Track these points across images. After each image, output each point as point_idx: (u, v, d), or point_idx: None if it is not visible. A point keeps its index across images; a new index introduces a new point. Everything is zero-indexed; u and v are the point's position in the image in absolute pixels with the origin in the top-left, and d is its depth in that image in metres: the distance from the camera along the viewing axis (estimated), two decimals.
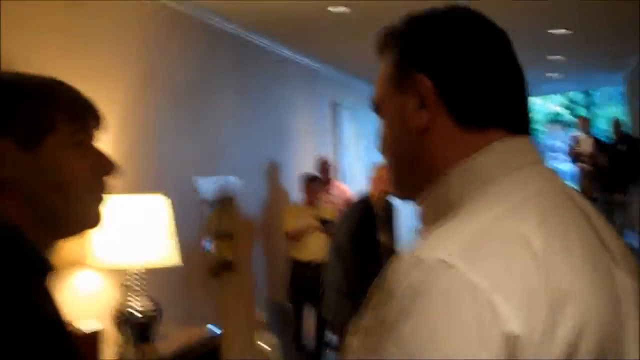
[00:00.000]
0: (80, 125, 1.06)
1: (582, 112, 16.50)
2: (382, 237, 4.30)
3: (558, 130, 19.55)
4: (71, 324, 2.66)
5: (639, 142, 8.56)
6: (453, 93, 0.91)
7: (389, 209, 4.46)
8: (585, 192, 8.83)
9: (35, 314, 0.95)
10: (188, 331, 3.30)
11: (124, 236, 2.97)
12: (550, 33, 6.30)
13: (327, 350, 5.31)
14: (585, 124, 9.62)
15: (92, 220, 1.09)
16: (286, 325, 4.26)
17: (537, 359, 0.74)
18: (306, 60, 6.76)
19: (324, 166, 6.31)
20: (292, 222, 5.45)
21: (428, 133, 0.92)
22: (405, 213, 5.57)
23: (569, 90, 15.63)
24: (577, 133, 9.63)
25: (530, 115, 0.96)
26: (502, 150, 0.90)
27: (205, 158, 4.69)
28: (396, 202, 4.85)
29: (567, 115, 19.86)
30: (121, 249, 2.97)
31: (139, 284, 3.05)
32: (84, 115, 1.08)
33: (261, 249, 5.67)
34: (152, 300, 3.06)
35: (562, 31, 6.21)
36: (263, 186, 5.78)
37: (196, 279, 4.44)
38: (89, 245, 3.01)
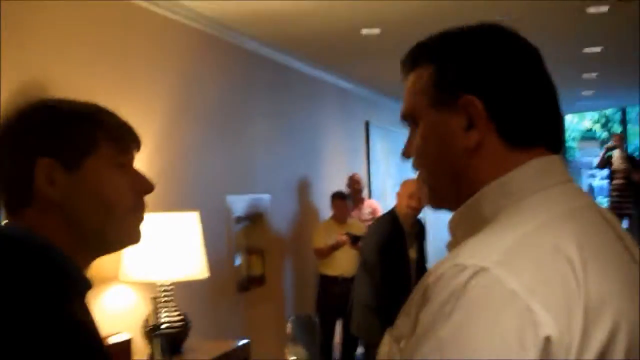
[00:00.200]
0: (121, 147, 1.12)
1: (617, 128, 16.26)
2: (411, 253, 4.32)
3: (592, 147, 19.27)
4: (106, 339, 2.74)
5: None
6: (503, 114, 0.93)
7: (417, 225, 4.48)
8: (620, 207, 8.82)
9: (77, 329, 1.00)
10: (216, 344, 3.36)
11: (156, 252, 3.07)
12: (585, 52, 6.29)
13: None
14: (619, 140, 9.60)
15: (132, 238, 1.14)
16: (313, 338, 4.29)
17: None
18: (339, 81, 6.83)
19: (355, 184, 6.34)
20: (322, 240, 5.51)
21: (476, 153, 0.94)
22: (435, 229, 5.59)
23: (604, 108, 15.44)
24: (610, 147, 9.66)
25: (564, 133, 1.01)
26: (537, 168, 0.93)
27: (237, 176, 4.78)
28: (426, 217, 4.87)
29: (601, 132, 19.58)
30: (152, 264, 3.07)
31: (169, 297, 3.13)
32: (125, 138, 1.13)
33: (291, 264, 5.72)
34: (181, 313, 3.14)
35: (597, 49, 6.19)
36: (294, 203, 5.84)
37: (225, 294, 4.51)
38: (121, 261, 3.10)
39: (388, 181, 8.04)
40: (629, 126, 14.32)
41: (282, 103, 5.61)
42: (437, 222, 4.80)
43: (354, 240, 5.28)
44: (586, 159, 19.73)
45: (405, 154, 1.03)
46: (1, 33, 2.51)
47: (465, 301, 0.78)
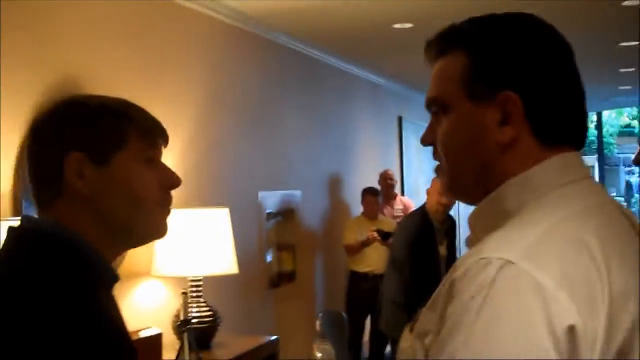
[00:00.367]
0: (150, 142, 1.14)
1: None
2: (441, 250, 4.29)
3: (631, 143, 18.95)
4: (134, 331, 2.78)
5: None
6: (539, 112, 0.93)
7: (448, 222, 4.45)
8: None
9: (103, 321, 1.03)
10: (246, 340, 3.38)
11: (187, 248, 3.10)
12: (622, 46, 6.18)
13: None
14: None
15: (160, 231, 1.16)
16: (343, 335, 4.29)
17: (601, 350, 0.79)
18: (371, 76, 6.82)
19: (387, 180, 6.32)
20: (352, 236, 5.51)
21: (509, 149, 0.94)
22: (466, 226, 5.55)
23: None
24: None
25: (588, 131, 1.00)
26: (559, 165, 0.94)
27: (269, 172, 4.80)
28: (457, 214, 4.83)
29: (639, 127, 19.22)
30: (183, 260, 3.10)
31: (199, 293, 3.16)
32: (154, 134, 1.16)
33: (322, 260, 5.73)
34: (211, 309, 3.17)
35: (634, 43, 6.08)
36: (325, 200, 5.84)
37: (256, 290, 4.54)
38: (154, 256, 3.14)
39: (421, 178, 8.00)
40: None
41: (315, 98, 5.62)
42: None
43: (385, 237, 5.26)
44: (624, 155, 19.39)
45: (426, 141, 1.03)
46: (1, 32, 2.54)
47: (494, 294, 0.79)
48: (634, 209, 18.79)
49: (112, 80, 3.15)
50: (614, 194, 17.92)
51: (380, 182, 6.27)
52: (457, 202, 3.78)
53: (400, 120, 7.71)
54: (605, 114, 18.25)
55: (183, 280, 3.20)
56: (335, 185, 6.01)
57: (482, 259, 0.83)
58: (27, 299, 0.97)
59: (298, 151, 5.26)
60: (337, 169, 6.03)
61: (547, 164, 0.93)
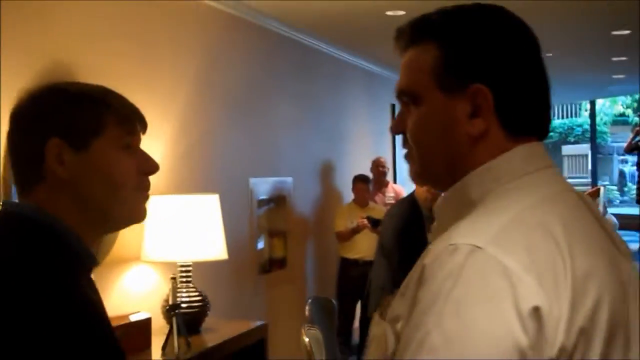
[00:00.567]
0: (128, 129, 1.17)
1: None
2: (429, 237, 4.30)
3: (624, 131, 19.01)
4: (123, 315, 2.80)
5: None
6: (509, 105, 0.96)
7: None
8: None
9: (81, 302, 1.05)
10: (234, 324, 3.41)
11: (176, 233, 3.12)
12: (614, 34, 6.20)
13: None
14: None
15: (138, 215, 1.19)
16: (332, 321, 4.32)
17: (565, 329, 0.83)
18: (364, 64, 6.82)
19: (379, 168, 6.34)
20: (343, 223, 5.55)
21: (478, 141, 0.96)
22: None
23: (635, 92, 15.19)
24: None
25: (551, 122, 1.04)
26: (522, 154, 0.97)
27: (260, 159, 4.81)
28: None
29: (633, 116, 19.27)
30: (173, 245, 3.13)
31: (189, 278, 3.19)
32: (132, 120, 1.18)
33: (313, 247, 5.76)
34: (201, 294, 3.20)
35: (626, 32, 6.10)
36: (317, 186, 5.87)
37: (246, 276, 4.57)
38: (143, 241, 3.16)
39: None
40: None
41: (307, 85, 5.63)
42: None
43: (374, 223, 5.29)
44: (618, 144, 19.44)
45: (396, 130, 1.04)
46: (1, 27, 2.55)
47: (463, 278, 0.83)
48: (626, 197, 18.86)
49: (103, 67, 3.16)
50: (607, 182, 18.01)
51: (372, 170, 6.29)
52: None
53: (393, 107, 7.72)
54: (599, 102, 18.29)
55: (172, 265, 3.23)
56: (327, 172, 6.04)
57: (451, 245, 0.86)
58: (8, 282, 0.99)
59: (289, 138, 5.27)
60: (329, 156, 6.05)
61: (511, 153, 0.96)
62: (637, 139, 9.34)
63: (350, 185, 5.82)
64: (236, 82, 4.49)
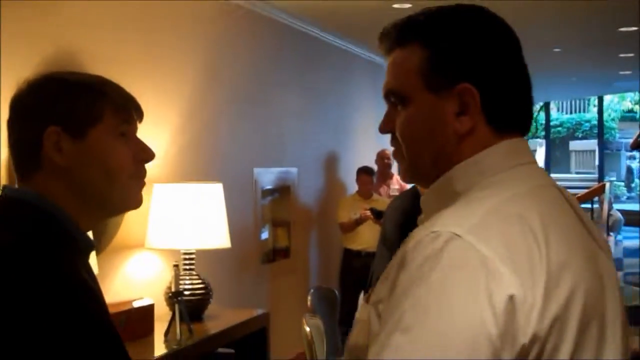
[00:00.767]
0: (124, 117, 1.19)
1: None
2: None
3: (633, 127, 18.94)
4: (126, 301, 2.84)
5: None
6: (494, 103, 0.99)
7: None
8: None
9: (78, 284, 1.08)
10: (236, 312, 3.45)
11: (180, 221, 3.16)
12: (621, 31, 6.19)
13: None
14: None
15: (134, 202, 1.22)
16: (334, 311, 4.36)
17: (537, 317, 0.86)
18: (370, 55, 6.83)
19: (384, 160, 6.35)
20: (346, 214, 5.58)
21: (466, 138, 0.99)
22: None
23: None
24: None
25: (533, 118, 1.07)
26: (506, 149, 1.00)
27: (265, 149, 4.84)
28: None
29: None
30: (177, 233, 3.16)
31: (192, 266, 3.23)
32: (128, 109, 1.21)
33: (316, 237, 5.80)
34: (203, 281, 3.23)
35: (633, 28, 6.09)
36: (321, 177, 5.90)
37: (250, 265, 4.60)
38: (147, 228, 3.20)
39: None
40: None
41: (313, 76, 5.64)
42: None
43: (378, 215, 5.31)
44: (626, 140, 19.36)
45: (385, 129, 1.07)
46: (4, 15, 2.57)
47: (441, 263, 0.86)
48: (633, 194, 18.80)
49: (109, 56, 3.18)
50: (614, 178, 17.96)
51: (376, 162, 6.31)
52: None
53: None
54: (607, 98, 18.23)
55: (176, 252, 3.26)
56: (331, 163, 6.06)
57: (433, 232, 0.89)
58: (7, 266, 1.02)
59: (294, 129, 5.29)
60: (334, 147, 6.08)
61: (495, 148, 0.99)
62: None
63: (355, 177, 5.84)
64: (242, 73, 4.52)
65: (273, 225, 4.98)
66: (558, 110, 22.39)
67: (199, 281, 3.23)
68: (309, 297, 4.11)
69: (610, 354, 0.94)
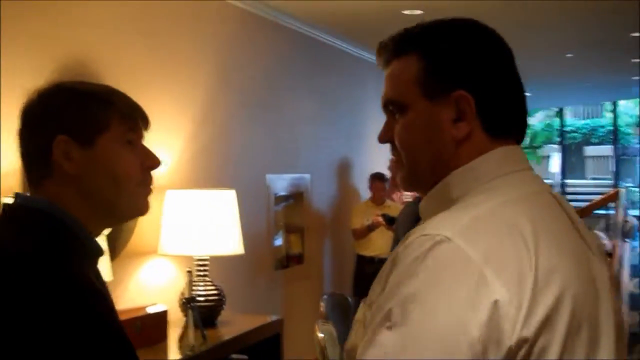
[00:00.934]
0: (131, 125, 1.22)
1: None
2: None
3: None
4: (140, 307, 2.85)
5: None
6: (489, 109, 1.03)
7: None
8: None
9: (87, 288, 1.11)
10: (250, 319, 3.46)
11: (193, 227, 3.18)
12: (633, 36, 6.16)
13: None
14: None
15: (141, 209, 1.25)
16: (347, 317, 4.36)
17: (523, 320, 0.87)
18: None
19: None
20: (359, 220, 5.58)
21: (463, 143, 1.03)
22: None
23: None
24: None
25: (527, 126, 1.10)
26: (501, 156, 1.04)
27: (277, 155, 4.86)
28: None
29: None
30: (189, 239, 3.18)
31: (205, 272, 3.25)
32: (134, 117, 1.24)
33: (330, 244, 5.80)
34: (217, 288, 3.25)
35: None
36: (334, 184, 5.90)
37: (263, 271, 4.62)
38: (160, 235, 3.23)
39: None
40: None
41: (325, 82, 5.66)
42: None
43: (390, 221, 5.32)
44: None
45: (383, 139, 1.11)
46: (11, 12, 2.60)
47: (428, 265, 0.89)
48: None
49: (121, 62, 3.22)
50: (630, 184, 17.81)
51: (390, 168, 6.31)
52: None
53: None
54: (622, 103, 18.11)
55: (189, 259, 3.28)
56: (344, 170, 6.07)
57: (423, 235, 0.92)
58: (19, 271, 1.04)
59: (307, 135, 5.31)
60: (346, 153, 6.09)
61: (490, 155, 1.03)
62: None
63: (367, 183, 5.85)
64: (254, 79, 4.54)
65: (286, 231, 4.99)
66: (573, 115, 22.27)
67: (212, 287, 3.24)
68: (322, 304, 4.12)
69: (603, 355, 0.96)
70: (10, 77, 2.57)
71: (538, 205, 1.00)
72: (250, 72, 4.50)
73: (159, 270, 3.42)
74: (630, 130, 20.99)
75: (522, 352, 0.87)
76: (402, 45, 1.07)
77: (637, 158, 20.60)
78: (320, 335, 3.30)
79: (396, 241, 4.53)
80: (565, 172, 16.36)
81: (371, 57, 6.55)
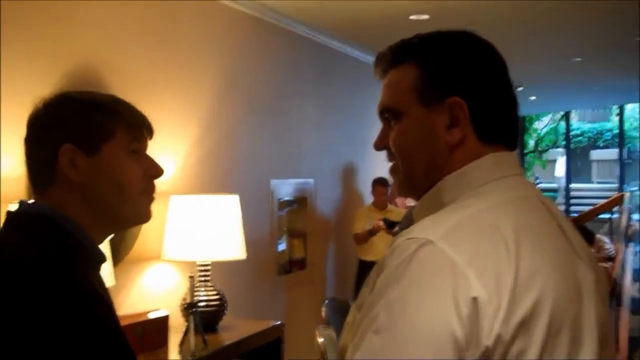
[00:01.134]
0: (135, 135, 1.25)
1: None
2: None
3: None
4: (142, 313, 2.85)
5: None
6: (481, 115, 1.06)
7: None
8: None
9: (90, 294, 1.13)
10: (251, 324, 3.46)
11: (196, 233, 3.18)
12: (638, 39, 6.15)
13: None
14: None
15: (143, 216, 1.27)
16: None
17: (503, 319, 0.90)
18: None
19: None
20: (361, 225, 5.59)
21: (456, 148, 1.06)
22: None
23: None
24: None
25: (519, 132, 1.14)
26: (492, 162, 1.07)
27: (281, 160, 4.86)
28: None
29: None
30: (192, 245, 3.18)
31: (207, 277, 3.25)
32: (139, 127, 1.26)
33: (333, 249, 5.80)
34: (218, 293, 3.25)
35: None
36: (338, 189, 5.90)
37: (266, 276, 4.62)
38: (163, 240, 3.23)
39: None
40: None
41: (330, 87, 5.66)
42: None
43: (390, 225, 5.32)
44: None
45: (379, 146, 1.15)
46: (1, 30, 2.62)
47: (412, 268, 0.92)
48: None
49: (128, 68, 3.23)
50: (636, 188, 17.75)
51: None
52: None
53: None
54: (629, 107, 18.06)
55: (192, 264, 3.29)
56: (348, 175, 6.07)
57: (409, 238, 0.95)
58: (23, 276, 1.06)
59: (311, 140, 5.31)
60: (350, 158, 6.08)
61: (481, 161, 1.06)
62: None
63: (370, 188, 5.85)
64: (259, 84, 4.55)
65: (290, 236, 4.99)
66: (579, 119, 22.22)
67: (214, 292, 3.25)
68: (323, 309, 4.11)
69: (586, 356, 0.98)
70: (10, 84, 2.58)
71: (523, 209, 1.03)
72: (256, 77, 4.50)
73: (162, 276, 3.43)
74: (636, 134, 20.93)
75: (498, 353, 0.90)
76: (400, 54, 1.11)
77: None
78: (321, 339, 3.29)
79: None
80: (570, 175, 16.31)
81: None
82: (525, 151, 17.18)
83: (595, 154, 21.65)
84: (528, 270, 0.93)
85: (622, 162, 16.14)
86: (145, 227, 3.15)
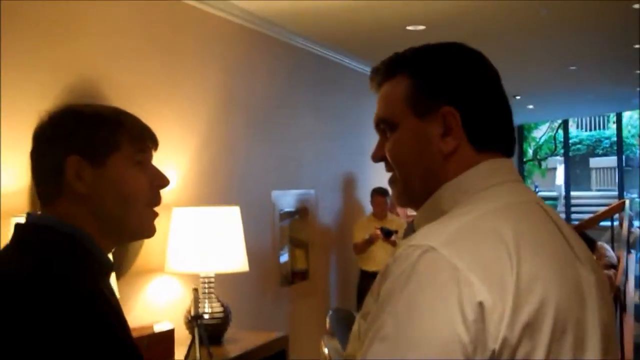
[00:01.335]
0: (140, 146, 1.26)
1: None
2: None
3: None
4: (147, 325, 2.86)
5: None
6: (474, 123, 1.09)
7: None
8: None
9: (101, 302, 1.14)
10: (255, 335, 3.46)
11: (199, 245, 3.19)
12: (636, 48, 6.18)
13: None
14: None
15: (148, 230, 1.28)
16: (351, 332, 4.36)
17: (507, 324, 0.91)
18: None
19: None
20: (361, 235, 5.60)
21: (450, 157, 1.08)
22: None
23: None
24: None
25: (515, 140, 1.15)
26: (489, 168, 1.09)
27: (282, 172, 4.87)
28: None
29: None
30: (195, 257, 3.20)
31: (211, 289, 3.25)
32: (143, 138, 1.27)
33: (335, 259, 5.80)
34: (223, 305, 3.26)
35: None
36: (339, 199, 5.91)
37: (269, 287, 4.62)
38: (167, 253, 3.24)
39: None
40: None
41: (328, 99, 5.69)
42: None
43: (387, 234, 5.33)
44: None
45: (376, 157, 1.16)
46: (1, 32, 2.64)
47: (416, 274, 0.93)
48: None
49: (128, 81, 3.25)
50: (635, 195, 17.78)
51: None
52: None
53: None
54: (627, 114, 18.10)
55: (195, 276, 3.30)
56: (349, 185, 6.08)
57: (410, 246, 0.97)
58: (33, 287, 1.07)
59: (312, 151, 5.33)
60: (351, 168, 6.10)
61: (477, 168, 1.08)
62: None
63: (369, 198, 5.87)
64: (259, 96, 4.57)
65: (292, 247, 5.00)
66: (577, 127, 22.27)
67: (218, 305, 3.25)
68: (328, 319, 4.12)
69: (590, 356, 0.99)
70: (11, 98, 2.60)
71: (522, 214, 1.04)
72: (256, 89, 4.52)
73: (166, 288, 3.43)
74: (634, 142, 20.96)
75: (505, 356, 0.91)
76: (392, 67, 1.13)
77: None
78: (326, 351, 3.30)
79: None
80: (569, 184, 16.33)
81: None
82: (524, 159, 17.21)
83: (594, 162, 21.66)
84: (529, 273, 0.95)
85: (621, 169, 16.15)
86: (148, 240, 3.15)
